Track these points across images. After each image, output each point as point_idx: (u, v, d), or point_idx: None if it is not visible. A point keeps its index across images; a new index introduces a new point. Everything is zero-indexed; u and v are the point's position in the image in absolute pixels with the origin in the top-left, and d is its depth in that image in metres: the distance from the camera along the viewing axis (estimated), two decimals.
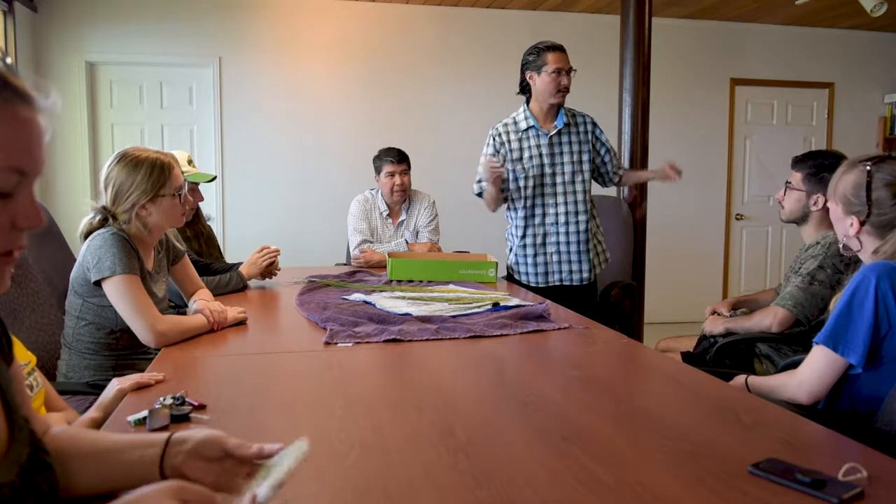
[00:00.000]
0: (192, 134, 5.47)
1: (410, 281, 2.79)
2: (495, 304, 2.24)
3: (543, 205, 2.94)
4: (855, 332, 1.49)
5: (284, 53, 5.46)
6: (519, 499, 0.92)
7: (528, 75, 2.92)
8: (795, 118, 6.41)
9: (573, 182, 2.93)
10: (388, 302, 2.29)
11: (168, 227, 2.06)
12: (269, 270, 2.79)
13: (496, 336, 1.90)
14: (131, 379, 1.42)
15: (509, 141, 2.94)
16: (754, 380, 1.74)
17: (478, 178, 2.99)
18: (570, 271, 2.97)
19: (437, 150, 5.58)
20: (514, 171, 2.92)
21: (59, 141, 5.13)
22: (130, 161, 1.93)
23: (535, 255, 2.98)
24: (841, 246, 1.70)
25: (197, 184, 2.84)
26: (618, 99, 4.27)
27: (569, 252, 2.95)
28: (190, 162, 2.89)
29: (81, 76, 5.17)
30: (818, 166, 2.30)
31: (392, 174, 3.48)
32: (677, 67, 5.97)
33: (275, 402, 1.39)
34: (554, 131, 2.92)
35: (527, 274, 3.01)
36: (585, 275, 2.98)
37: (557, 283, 2.98)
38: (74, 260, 1.99)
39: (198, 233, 3.04)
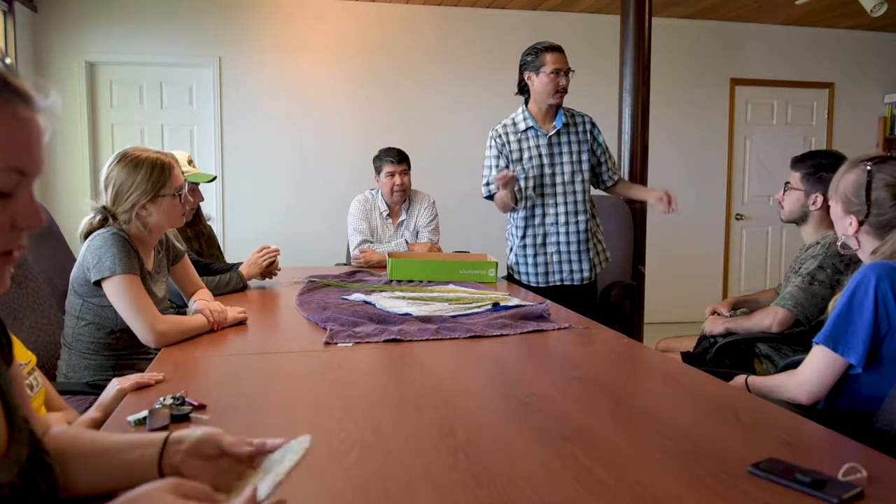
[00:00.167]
0: (192, 134, 5.47)
1: (410, 281, 2.79)
2: (495, 304, 2.24)
3: (543, 205, 2.94)
4: (855, 332, 1.49)
5: (284, 53, 5.46)
6: (519, 499, 0.92)
7: (526, 76, 2.92)
8: (795, 118, 6.41)
9: (573, 182, 2.93)
10: (388, 302, 2.29)
11: (168, 228, 2.06)
12: (269, 270, 2.79)
13: (496, 336, 1.90)
14: (131, 379, 1.42)
15: (509, 142, 2.94)
16: (754, 380, 1.74)
17: (485, 181, 2.99)
18: (571, 271, 2.97)
19: (437, 150, 5.58)
20: (514, 171, 2.92)
21: (59, 141, 5.13)
22: (131, 161, 1.93)
23: (536, 255, 2.98)
24: (840, 245, 1.70)
25: (197, 184, 2.83)
26: (618, 99, 4.27)
27: (569, 252, 2.95)
28: (190, 162, 2.89)
29: (81, 76, 5.17)
30: (816, 166, 2.30)
31: (392, 174, 3.48)
32: (677, 67, 5.97)
33: (275, 402, 1.39)
34: (553, 131, 2.92)
35: (527, 274, 3.01)
36: (586, 274, 2.98)
37: (557, 283, 2.98)
38: (74, 260, 1.99)
39: (198, 233, 3.04)
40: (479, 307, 2.22)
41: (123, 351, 1.96)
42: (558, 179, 2.93)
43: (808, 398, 1.57)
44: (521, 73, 2.95)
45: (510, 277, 3.09)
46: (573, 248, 2.95)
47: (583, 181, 2.95)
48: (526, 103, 2.97)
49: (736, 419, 1.24)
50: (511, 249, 3.07)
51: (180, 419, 1.20)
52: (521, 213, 2.97)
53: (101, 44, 5.20)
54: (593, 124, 3.02)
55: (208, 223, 3.18)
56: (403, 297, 2.38)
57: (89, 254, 1.87)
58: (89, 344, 1.93)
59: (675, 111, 5.99)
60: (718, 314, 2.59)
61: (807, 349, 1.63)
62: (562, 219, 2.93)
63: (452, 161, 5.55)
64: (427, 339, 1.86)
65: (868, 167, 1.59)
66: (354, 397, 1.39)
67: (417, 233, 3.56)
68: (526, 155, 2.93)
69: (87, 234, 1.93)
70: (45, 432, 0.92)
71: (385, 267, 2.95)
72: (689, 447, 1.10)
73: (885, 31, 6.35)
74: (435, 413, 1.27)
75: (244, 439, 0.88)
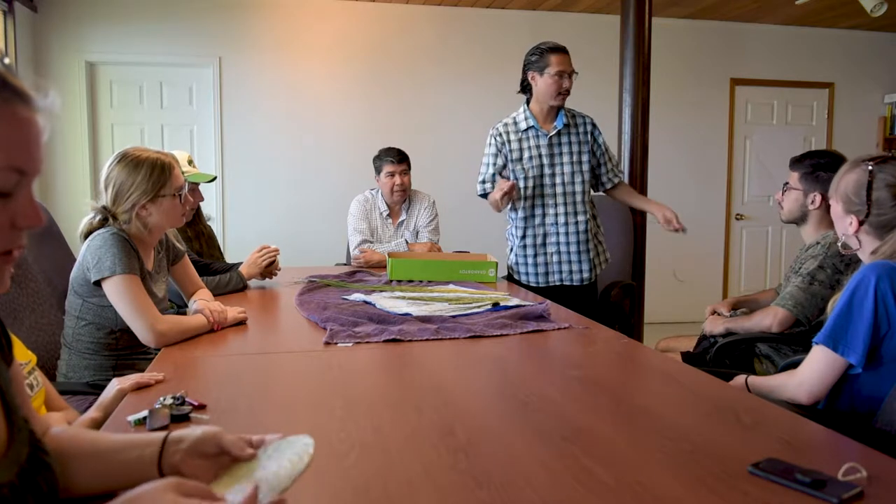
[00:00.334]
0: (192, 134, 5.47)
1: (410, 281, 2.79)
2: (495, 304, 2.24)
3: (543, 205, 2.94)
4: (855, 332, 1.49)
5: (284, 53, 5.46)
6: (519, 499, 0.92)
7: (529, 75, 2.92)
8: (795, 118, 6.41)
9: (573, 182, 2.93)
10: (388, 302, 2.29)
11: (168, 228, 2.06)
12: (269, 270, 2.79)
13: (496, 336, 1.90)
14: (131, 379, 1.42)
15: (509, 141, 2.94)
16: (754, 380, 1.74)
17: (481, 178, 2.99)
18: (571, 271, 2.97)
19: (437, 150, 5.58)
20: (514, 171, 2.93)
21: (59, 141, 5.13)
22: (131, 161, 1.93)
23: (536, 256, 2.98)
24: (840, 245, 1.70)
25: (197, 184, 2.84)
26: (618, 99, 4.27)
27: (569, 252, 2.95)
28: (190, 162, 2.89)
29: (81, 76, 5.17)
30: (814, 165, 2.31)
31: (392, 174, 3.48)
32: (677, 67, 5.97)
33: (275, 402, 1.39)
34: (553, 132, 2.92)
35: (527, 274, 3.01)
36: (586, 275, 2.98)
37: (557, 283, 2.98)
38: (74, 260, 1.99)
39: (198, 233, 3.04)
40: (479, 307, 2.22)
41: (123, 351, 1.96)
42: (558, 180, 2.93)
43: (808, 398, 1.57)
44: (524, 73, 2.94)
45: (510, 277, 3.09)
46: (573, 248, 2.95)
47: (583, 182, 2.95)
48: (527, 103, 2.97)
49: (736, 419, 1.24)
50: (511, 249, 3.08)
51: (180, 419, 1.20)
52: (521, 214, 2.97)
53: (101, 44, 5.20)
54: (594, 125, 3.02)
55: (208, 223, 3.18)
56: (403, 297, 2.38)
57: (89, 254, 1.87)
58: (89, 344, 1.93)
59: (675, 111, 5.99)
60: (718, 314, 2.59)
61: (807, 349, 1.63)
62: (561, 219, 2.93)
63: (452, 161, 5.55)
64: (427, 339, 1.86)
65: (869, 167, 1.59)
66: (354, 397, 1.39)
67: (417, 233, 3.56)
68: (526, 155, 2.93)
69: (87, 234, 1.93)
70: (45, 432, 0.92)
71: (385, 267, 2.95)
72: (689, 447, 1.10)
73: (885, 31, 6.35)
74: (435, 413, 1.27)
75: (244, 438, 0.88)
